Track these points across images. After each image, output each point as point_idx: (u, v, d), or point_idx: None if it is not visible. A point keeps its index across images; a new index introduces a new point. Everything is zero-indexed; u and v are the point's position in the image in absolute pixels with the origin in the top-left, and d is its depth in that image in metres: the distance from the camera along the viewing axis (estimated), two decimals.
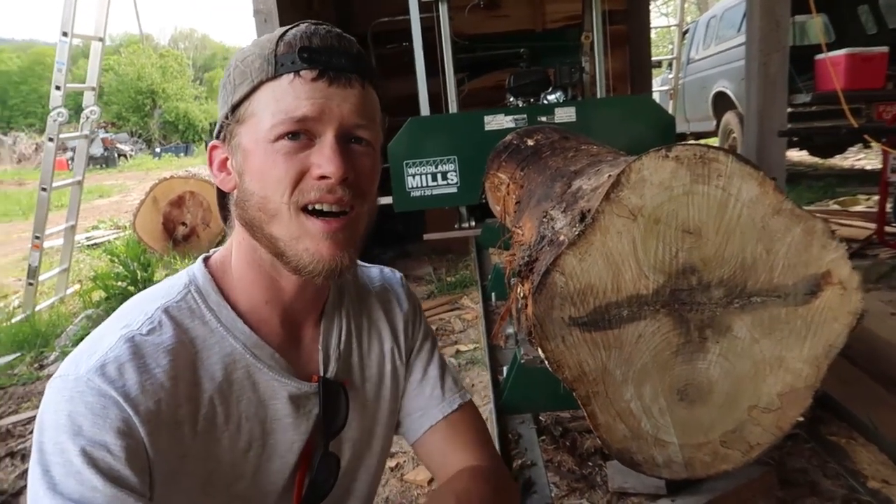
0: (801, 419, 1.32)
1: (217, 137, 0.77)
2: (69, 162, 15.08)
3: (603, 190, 1.27)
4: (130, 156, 25.13)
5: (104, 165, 21.50)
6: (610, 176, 1.34)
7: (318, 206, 0.70)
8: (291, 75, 0.69)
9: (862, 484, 1.58)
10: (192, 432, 0.69)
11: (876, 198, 4.67)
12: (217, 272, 0.78)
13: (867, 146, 7.35)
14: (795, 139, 5.63)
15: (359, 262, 0.95)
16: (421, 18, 3.59)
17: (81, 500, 0.61)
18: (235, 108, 0.72)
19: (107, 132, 24.46)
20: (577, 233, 1.27)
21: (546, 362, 1.32)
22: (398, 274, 1.00)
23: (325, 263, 0.70)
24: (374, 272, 0.97)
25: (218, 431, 0.72)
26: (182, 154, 25.71)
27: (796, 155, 8.10)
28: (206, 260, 0.80)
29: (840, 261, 1.24)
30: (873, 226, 3.81)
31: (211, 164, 0.78)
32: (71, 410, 0.63)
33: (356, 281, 0.93)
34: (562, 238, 1.37)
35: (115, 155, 23.37)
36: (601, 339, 1.29)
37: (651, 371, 1.30)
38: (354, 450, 0.86)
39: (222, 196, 0.79)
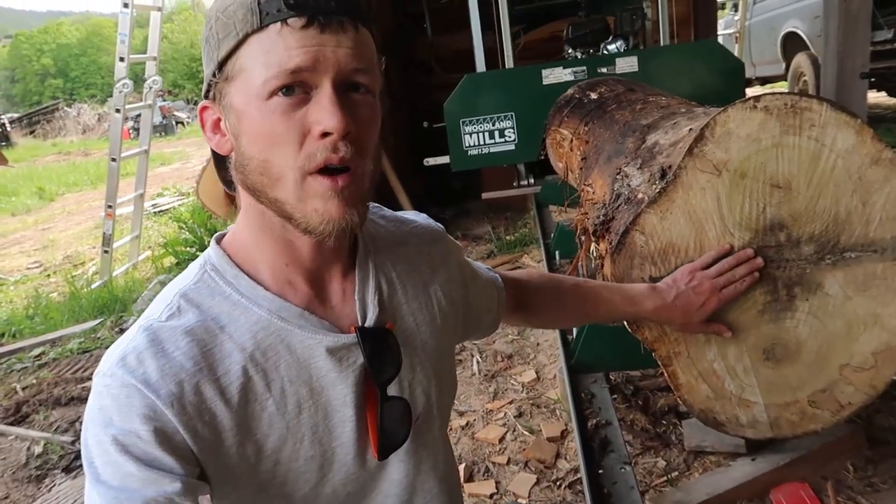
0: None
1: (206, 97, 0.71)
2: (130, 132, 15.52)
3: (685, 144, 1.22)
4: (187, 123, 25.69)
5: (163, 134, 22.01)
6: (691, 130, 1.28)
7: (324, 168, 0.66)
8: (279, 24, 0.64)
9: None
10: (227, 406, 0.69)
11: None
12: (231, 247, 0.77)
13: None
14: (873, 80, 5.29)
15: (385, 209, 0.92)
16: None
17: (121, 486, 0.63)
18: (222, 64, 0.67)
19: (164, 100, 25.00)
20: (657, 190, 1.23)
21: (626, 323, 1.30)
22: (424, 215, 0.97)
23: (336, 223, 0.67)
24: (407, 217, 0.94)
25: (260, 400, 0.71)
26: None
27: (873, 96, 7.63)
28: (219, 239, 0.79)
29: None
30: None
31: (203, 125, 0.73)
32: (101, 404, 0.66)
33: (391, 225, 0.89)
34: (640, 196, 1.32)
35: (174, 123, 23.89)
36: None
37: (735, 330, 1.26)
38: (427, 394, 0.84)
39: (220, 160, 0.76)
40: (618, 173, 1.56)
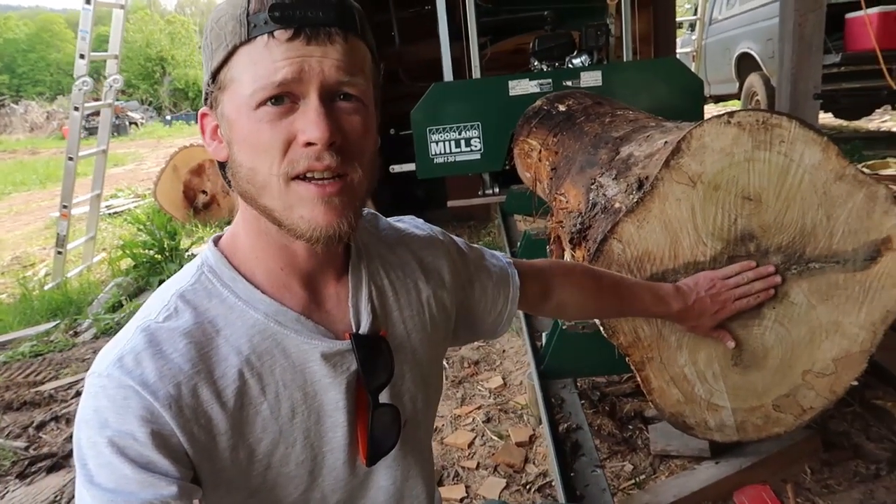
0: (855, 383, 1.33)
1: (205, 104, 0.73)
2: (81, 131, 15.07)
3: (662, 157, 1.27)
4: (141, 124, 25.10)
5: (116, 134, 21.41)
6: (667, 143, 1.33)
7: (308, 175, 0.67)
8: (266, 37, 0.64)
9: None
10: (223, 409, 0.69)
11: None
12: (228, 249, 0.77)
13: (894, 108, 7.22)
14: (820, 101, 5.53)
15: (381, 216, 0.93)
16: None
17: (116, 489, 0.62)
18: (215, 74, 0.69)
19: (117, 100, 24.37)
20: (635, 200, 1.27)
21: (602, 328, 1.33)
22: (419, 220, 0.97)
23: (322, 230, 0.67)
24: (402, 224, 0.94)
25: (255, 403, 0.71)
26: (193, 122, 25.68)
27: (820, 117, 7.98)
28: (216, 240, 0.79)
29: None
30: None
31: (203, 132, 0.75)
32: (97, 405, 0.65)
33: (383, 233, 0.90)
34: (617, 205, 1.37)
35: (127, 123, 23.32)
36: None
37: (706, 337, 1.31)
38: (414, 401, 0.85)
39: (222, 166, 0.76)
40: (592, 183, 1.60)
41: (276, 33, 0.64)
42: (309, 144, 0.65)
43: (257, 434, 0.72)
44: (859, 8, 4.75)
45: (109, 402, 0.64)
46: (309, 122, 0.65)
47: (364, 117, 0.70)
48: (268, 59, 0.65)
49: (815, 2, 3.11)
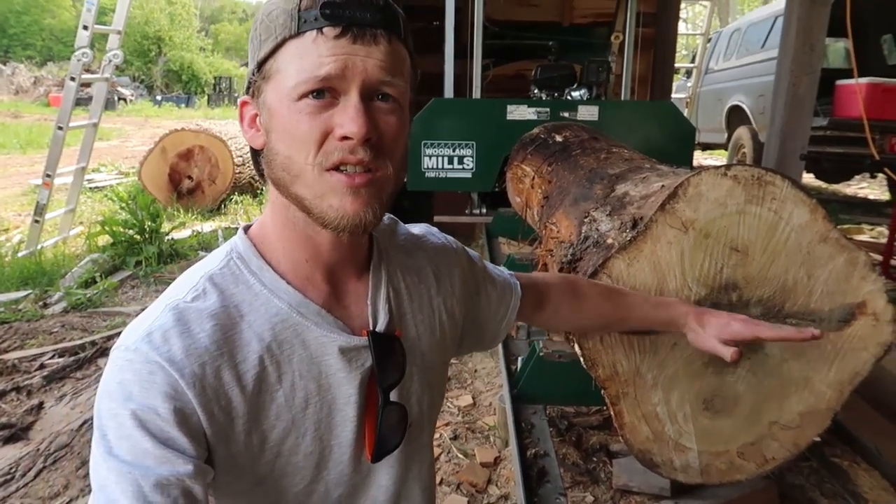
0: (817, 439, 1.38)
1: (247, 93, 0.76)
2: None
3: (658, 199, 1.31)
4: (130, 100, 24.82)
5: (104, 108, 21.20)
6: (664, 186, 1.37)
7: (340, 167, 0.70)
8: (315, 32, 0.68)
9: None
10: (242, 393, 0.71)
11: (880, 228, 4.76)
12: (257, 238, 0.80)
13: (872, 176, 7.44)
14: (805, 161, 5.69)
15: (400, 222, 0.95)
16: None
17: (134, 461, 0.64)
18: (262, 64, 0.72)
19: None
20: (628, 238, 1.31)
21: (582, 359, 1.36)
22: (434, 229, 1.01)
23: (349, 219, 0.70)
24: (418, 231, 0.98)
25: (271, 390, 0.73)
26: (183, 105, 25.39)
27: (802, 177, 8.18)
28: (246, 229, 0.82)
29: (877, 293, 1.29)
30: (879, 257, 3.86)
31: (241, 120, 0.78)
32: (122, 378, 0.66)
33: (402, 238, 0.93)
34: (609, 241, 1.40)
35: (116, 98, 23.04)
36: (637, 343, 1.33)
37: (681, 378, 1.35)
38: (420, 403, 0.87)
39: (256, 154, 0.79)
40: (585, 217, 1.63)
41: (324, 30, 0.68)
42: (345, 139, 0.68)
43: (271, 421, 0.74)
44: (850, 76, 4.91)
45: (135, 375, 0.66)
46: (348, 118, 0.68)
47: (399, 118, 0.73)
48: (314, 54, 0.68)
49: (810, 65, 3.22)
